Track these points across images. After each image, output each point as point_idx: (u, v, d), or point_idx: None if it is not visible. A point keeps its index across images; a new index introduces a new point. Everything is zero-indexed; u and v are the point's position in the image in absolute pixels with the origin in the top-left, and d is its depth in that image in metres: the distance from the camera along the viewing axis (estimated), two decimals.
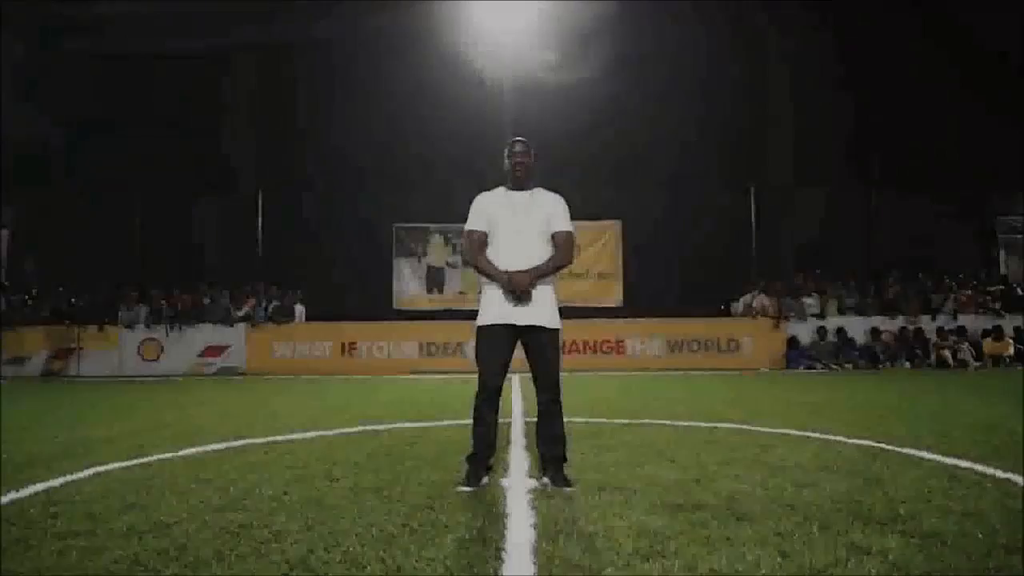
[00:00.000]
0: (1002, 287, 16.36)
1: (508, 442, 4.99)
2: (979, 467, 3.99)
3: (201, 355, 15.15)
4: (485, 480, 3.73)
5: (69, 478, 3.95)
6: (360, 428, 6.02)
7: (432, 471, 4.08)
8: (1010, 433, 5.27)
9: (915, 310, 15.54)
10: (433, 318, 16.45)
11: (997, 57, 17.28)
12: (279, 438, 5.46)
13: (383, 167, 17.70)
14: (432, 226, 17.65)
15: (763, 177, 18.24)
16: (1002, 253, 18.47)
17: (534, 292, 3.76)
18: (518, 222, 3.84)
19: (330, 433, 5.74)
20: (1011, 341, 14.54)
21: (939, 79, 17.68)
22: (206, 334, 15.27)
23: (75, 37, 16.98)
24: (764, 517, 3.00)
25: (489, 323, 3.78)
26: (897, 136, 17.82)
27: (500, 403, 3.82)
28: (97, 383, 13.17)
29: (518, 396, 7.69)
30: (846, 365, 14.56)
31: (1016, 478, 3.70)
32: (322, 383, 12.31)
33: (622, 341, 15.41)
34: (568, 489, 3.55)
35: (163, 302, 15.71)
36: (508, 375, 3.82)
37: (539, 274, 3.77)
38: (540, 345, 3.77)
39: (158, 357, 15.10)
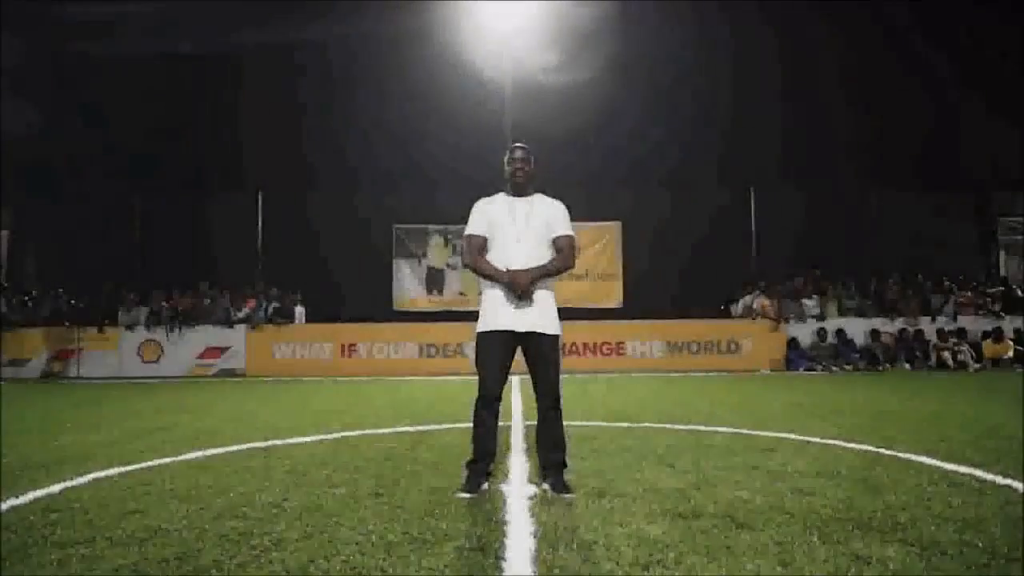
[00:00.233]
0: (1002, 289, 16.36)
1: (508, 446, 4.99)
2: (979, 473, 3.99)
3: (201, 357, 15.15)
4: (485, 486, 3.73)
5: (69, 484, 3.95)
6: (360, 432, 6.02)
7: (432, 476, 4.08)
8: (1010, 437, 5.27)
9: (915, 311, 15.55)
10: (433, 319, 16.46)
11: (998, 57, 17.27)
12: (279, 442, 5.46)
13: (383, 168, 17.69)
14: (432, 227, 17.66)
15: (763, 178, 18.24)
16: (1002, 255, 18.48)
17: (535, 296, 3.76)
18: (518, 228, 3.84)
19: (330, 437, 5.74)
20: (1011, 343, 14.54)
21: (940, 79, 17.68)
22: (206, 335, 15.27)
23: (75, 37, 16.97)
24: (764, 525, 3.00)
25: (489, 329, 3.78)
26: (898, 137, 17.82)
27: (500, 408, 3.83)
28: (97, 385, 13.17)
29: (518, 399, 7.69)
30: (846, 367, 14.56)
31: (1016, 484, 3.70)
32: (322, 385, 12.32)
33: (622, 342, 15.42)
34: (568, 495, 3.55)
35: (163, 303, 15.70)
36: (508, 377, 3.83)
37: (540, 273, 3.77)
38: (540, 351, 3.77)
39: (158, 358, 15.10)
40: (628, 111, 17.30)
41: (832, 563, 2.54)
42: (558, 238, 3.88)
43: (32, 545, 2.84)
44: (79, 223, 17.11)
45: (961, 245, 18.27)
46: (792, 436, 5.51)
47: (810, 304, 15.84)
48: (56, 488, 3.85)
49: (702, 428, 6.03)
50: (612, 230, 17.72)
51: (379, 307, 17.05)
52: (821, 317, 15.60)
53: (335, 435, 5.85)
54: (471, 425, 3.80)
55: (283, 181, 17.95)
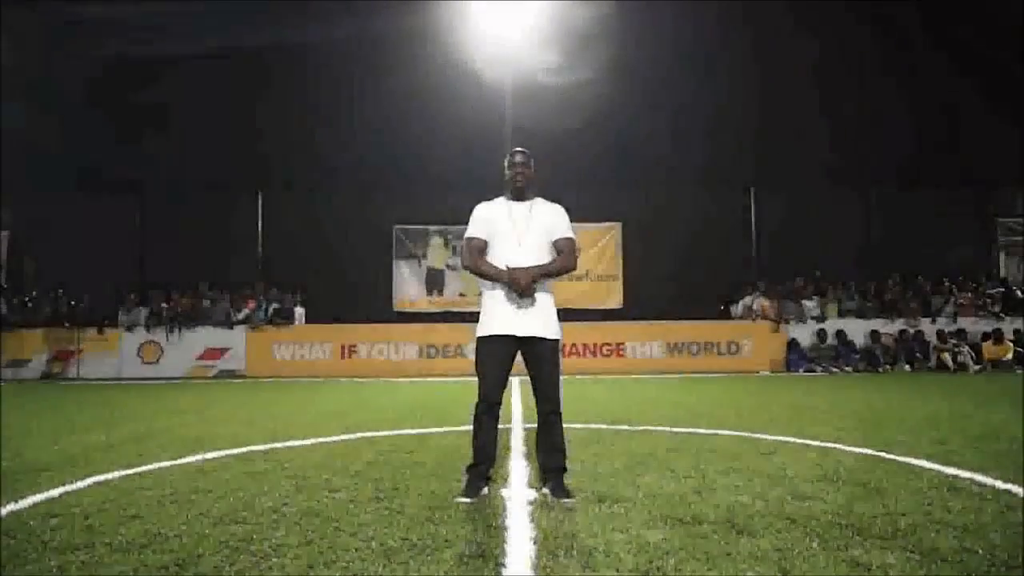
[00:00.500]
0: (1002, 290, 16.37)
1: (508, 449, 4.99)
2: (979, 477, 3.99)
3: (201, 358, 15.15)
4: (485, 491, 3.73)
5: (69, 488, 3.95)
6: (359, 435, 6.02)
7: (432, 481, 4.08)
8: (1010, 440, 5.27)
9: (915, 313, 15.56)
10: (433, 320, 16.47)
11: (998, 58, 17.27)
12: (278, 445, 5.46)
13: (383, 168, 17.68)
14: (432, 228, 17.67)
15: (763, 179, 18.24)
16: (1002, 256, 18.48)
17: (535, 300, 3.75)
18: (518, 233, 3.83)
19: (329, 440, 5.74)
20: (1011, 344, 14.55)
21: (940, 80, 17.67)
22: (206, 336, 15.29)
23: (76, 38, 16.96)
24: (764, 531, 3.00)
25: (489, 334, 3.78)
26: (898, 138, 17.82)
27: (500, 413, 3.83)
28: (97, 386, 13.17)
29: (518, 401, 7.70)
30: (846, 368, 14.57)
31: (1016, 489, 3.70)
32: (322, 386, 12.32)
33: (622, 343, 15.43)
34: (568, 500, 3.55)
35: (163, 304, 15.71)
36: (508, 381, 3.83)
37: (541, 272, 3.76)
38: (541, 356, 3.77)
39: (158, 359, 15.11)
40: (628, 112, 17.30)
41: (832, 570, 2.54)
42: (558, 240, 3.88)
43: (32, 551, 2.84)
44: (79, 223, 17.10)
45: (961, 246, 18.28)
46: (792, 439, 5.51)
47: (810, 305, 15.85)
48: (56, 492, 3.85)
49: (702, 431, 6.03)
50: (612, 231, 17.73)
51: (379, 308, 17.06)
52: (821, 318, 15.61)
53: (335, 438, 5.85)
54: (471, 429, 3.80)
55: (283, 182, 17.95)
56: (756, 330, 15.43)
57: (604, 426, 6.37)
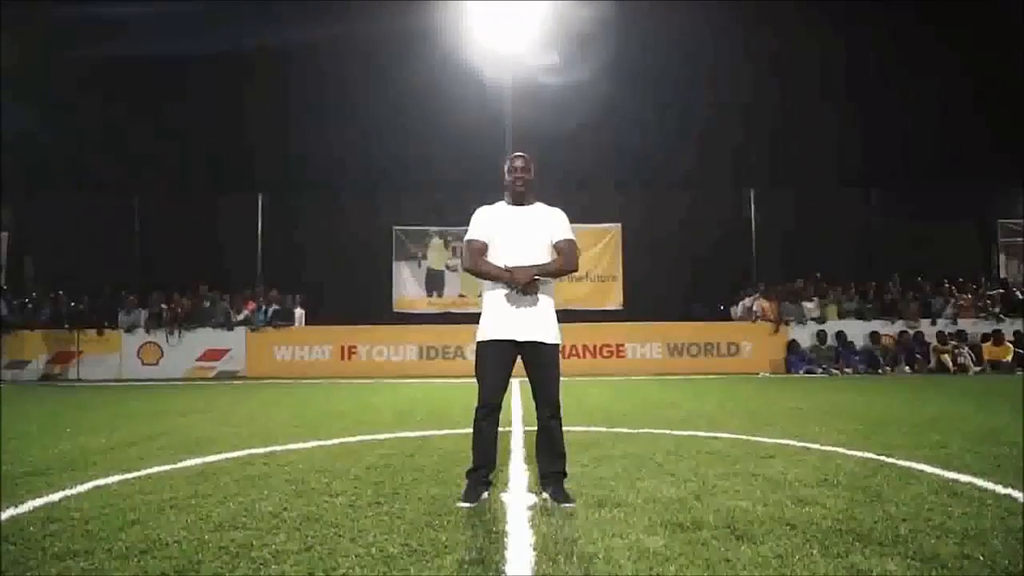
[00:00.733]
0: (1002, 291, 16.36)
1: (508, 452, 4.99)
2: (979, 482, 3.99)
3: (201, 359, 15.15)
4: (485, 495, 3.72)
5: (68, 492, 3.94)
6: (359, 437, 6.02)
7: (432, 485, 4.08)
8: (1010, 444, 5.27)
9: (915, 314, 15.55)
10: (433, 321, 16.46)
11: (998, 59, 17.27)
12: (278, 448, 5.45)
13: (383, 169, 17.70)
14: (432, 229, 17.66)
15: (763, 180, 18.24)
16: (1002, 257, 18.47)
17: (536, 300, 3.75)
18: (518, 237, 3.83)
19: (329, 443, 5.73)
20: (1011, 345, 14.54)
21: (940, 81, 17.68)
22: (206, 338, 15.28)
23: (75, 39, 16.96)
24: (764, 537, 2.99)
25: (489, 339, 3.78)
26: (897, 139, 17.82)
27: (500, 417, 3.83)
28: (97, 387, 13.16)
29: (517, 404, 7.69)
30: (846, 369, 14.56)
31: (1016, 494, 3.70)
32: (322, 387, 12.31)
33: (622, 345, 15.43)
34: (568, 505, 3.55)
35: (163, 306, 15.70)
36: (508, 386, 3.83)
37: (541, 271, 3.76)
38: (541, 361, 3.77)
39: (158, 361, 15.11)
40: (628, 113, 17.32)
41: None
42: (559, 242, 3.88)
43: (31, 557, 2.83)
44: (79, 224, 17.10)
45: (961, 247, 18.28)
46: (792, 442, 5.51)
47: (810, 306, 15.85)
48: (56, 496, 3.84)
49: (702, 434, 6.03)
50: (612, 232, 17.72)
51: (379, 309, 17.05)
52: (821, 319, 15.61)
53: (335, 441, 5.84)
54: (471, 432, 3.80)
55: (283, 183, 17.95)
56: (756, 331, 15.43)
57: (604, 428, 6.37)
